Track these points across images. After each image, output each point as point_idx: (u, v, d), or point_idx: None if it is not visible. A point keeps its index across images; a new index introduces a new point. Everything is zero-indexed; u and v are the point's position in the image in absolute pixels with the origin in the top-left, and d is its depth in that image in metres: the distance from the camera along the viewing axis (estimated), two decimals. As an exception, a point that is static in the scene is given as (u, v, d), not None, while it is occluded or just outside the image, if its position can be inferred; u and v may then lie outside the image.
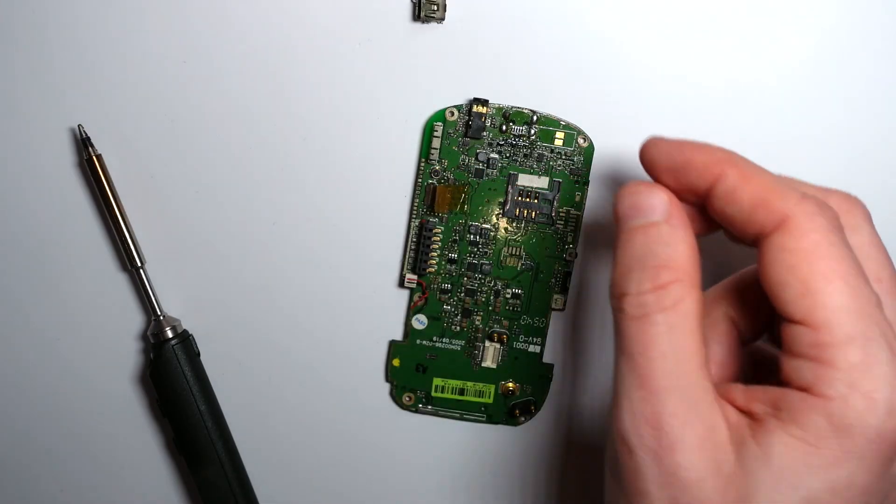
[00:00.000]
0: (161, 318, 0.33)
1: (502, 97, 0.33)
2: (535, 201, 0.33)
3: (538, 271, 0.34)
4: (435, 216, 0.33)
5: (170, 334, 0.33)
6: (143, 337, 0.34)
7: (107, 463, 0.35)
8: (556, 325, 0.34)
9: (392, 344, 0.34)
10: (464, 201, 0.33)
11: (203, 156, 0.33)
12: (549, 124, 0.33)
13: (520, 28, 0.33)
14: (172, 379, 0.33)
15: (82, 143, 0.32)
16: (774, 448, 0.23)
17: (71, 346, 0.34)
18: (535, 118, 0.33)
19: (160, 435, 0.35)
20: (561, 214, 0.33)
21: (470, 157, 0.33)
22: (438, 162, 0.33)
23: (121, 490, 0.35)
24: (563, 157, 0.33)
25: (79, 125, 0.33)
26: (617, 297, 0.25)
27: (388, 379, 0.35)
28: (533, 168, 0.33)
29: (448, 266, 0.34)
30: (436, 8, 0.32)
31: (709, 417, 0.24)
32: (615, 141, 0.33)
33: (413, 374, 0.34)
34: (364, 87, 0.33)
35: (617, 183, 0.33)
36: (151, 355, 0.33)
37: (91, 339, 0.34)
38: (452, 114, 0.33)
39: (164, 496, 0.36)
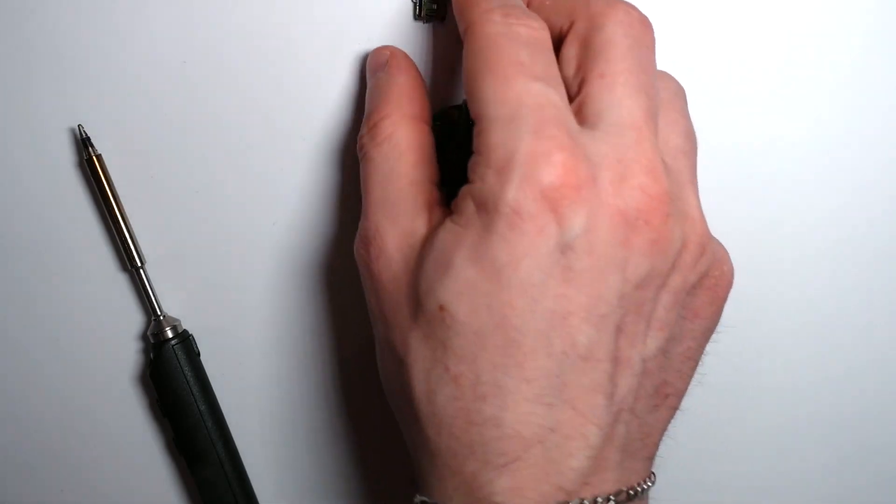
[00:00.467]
0: (161, 318, 0.33)
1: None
2: None
3: None
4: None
5: (170, 334, 0.33)
6: (144, 337, 0.34)
7: (107, 463, 0.35)
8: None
9: None
10: None
11: (203, 156, 0.33)
12: None
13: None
14: (172, 379, 0.33)
15: (82, 143, 0.32)
16: (437, 235, 0.25)
17: (71, 347, 0.34)
18: None
19: (160, 435, 0.35)
20: None
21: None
22: None
23: (121, 490, 0.35)
24: None
25: (79, 125, 0.32)
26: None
27: None
28: None
29: None
30: (436, 7, 0.32)
31: (408, 225, 0.26)
32: None
33: None
34: (364, 87, 0.33)
35: None
36: (151, 355, 0.33)
37: (91, 339, 0.34)
38: (452, 114, 0.33)
39: (164, 496, 0.36)
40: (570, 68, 0.27)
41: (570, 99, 0.26)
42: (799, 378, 0.36)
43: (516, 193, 0.24)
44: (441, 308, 0.25)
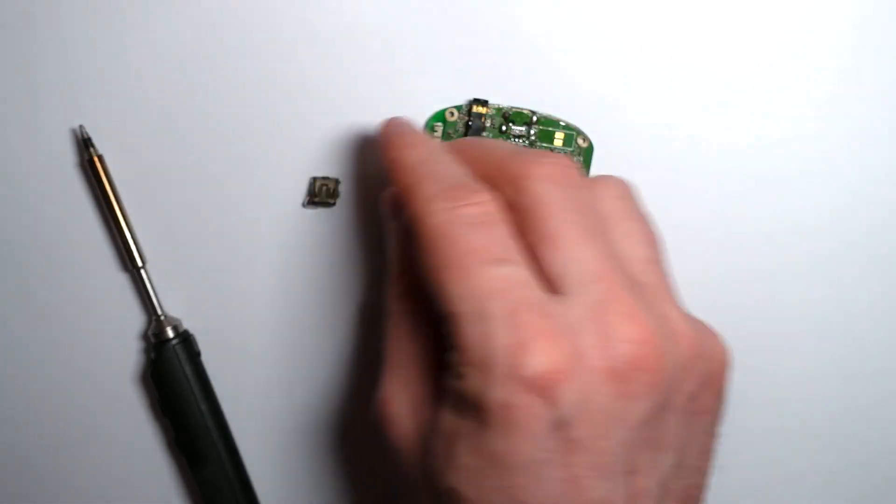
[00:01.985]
0: (162, 317, 0.33)
1: (502, 97, 0.33)
2: None
3: None
4: None
5: (171, 334, 0.33)
6: (144, 337, 0.34)
7: (107, 463, 0.35)
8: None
9: None
10: None
11: (204, 156, 0.33)
12: (548, 125, 0.33)
13: (519, 28, 0.33)
14: (173, 379, 0.33)
15: (83, 144, 0.32)
16: (439, 419, 0.25)
17: (71, 347, 0.34)
18: (534, 118, 0.33)
19: (161, 435, 0.35)
20: None
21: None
22: None
23: (121, 490, 0.35)
24: None
25: (80, 126, 0.33)
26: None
27: None
28: None
29: None
30: (331, 200, 0.33)
31: (419, 394, 0.27)
32: (614, 141, 0.33)
33: None
34: (363, 87, 0.33)
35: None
36: (152, 355, 0.33)
37: (92, 339, 0.34)
38: (452, 114, 0.33)
39: (164, 496, 0.36)
40: (517, 236, 0.26)
41: None
42: (801, 380, 0.36)
43: (502, 390, 0.23)
44: (450, 489, 0.25)
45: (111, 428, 0.35)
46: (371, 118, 0.33)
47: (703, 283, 0.34)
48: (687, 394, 0.26)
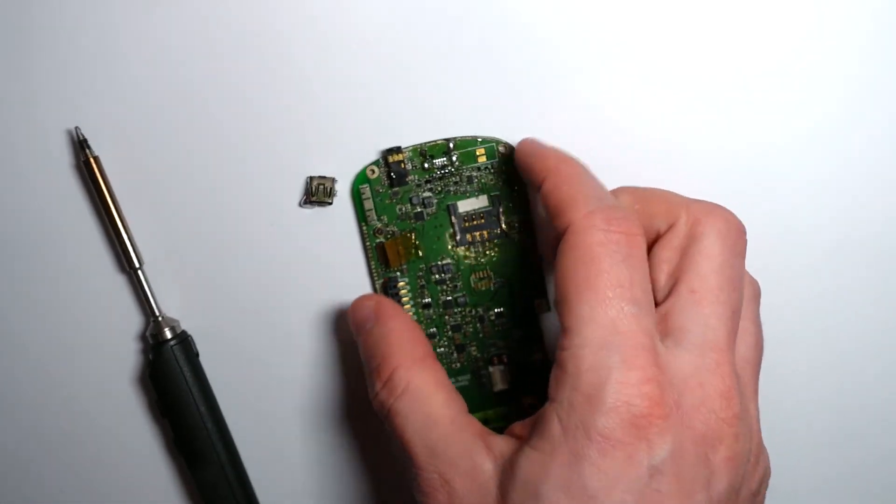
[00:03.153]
0: (160, 318, 0.33)
1: (412, 137, 0.33)
2: (483, 221, 0.33)
3: (512, 284, 0.33)
4: (394, 271, 0.33)
5: (169, 335, 0.33)
6: (142, 338, 0.34)
7: (107, 463, 0.35)
8: (549, 326, 0.34)
9: None
10: (416, 247, 0.33)
11: (201, 157, 0.33)
12: (466, 146, 0.33)
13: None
14: (172, 379, 0.33)
15: (79, 145, 0.32)
16: (519, 463, 0.25)
17: (70, 348, 0.34)
18: (451, 145, 0.32)
19: (160, 435, 0.35)
20: (511, 225, 0.33)
21: (405, 204, 0.33)
22: (378, 220, 0.33)
23: (121, 490, 0.36)
24: (491, 170, 0.33)
25: (76, 127, 0.33)
26: (371, 402, 0.29)
27: None
28: (468, 192, 0.33)
29: (426, 312, 0.34)
30: (329, 199, 0.33)
31: (470, 464, 0.26)
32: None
33: None
34: (361, 87, 0.33)
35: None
36: (150, 356, 0.34)
37: (90, 340, 0.34)
38: (373, 171, 0.33)
39: (164, 496, 0.36)
40: (662, 273, 0.27)
41: (657, 303, 0.27)
42: (801, 380, 0.36)
43: (606, 421, 0.24)
44: None
45: (110, 429, 0.35)
46: (369, 117, 0.33)
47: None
48: (750, 491, 0.27)
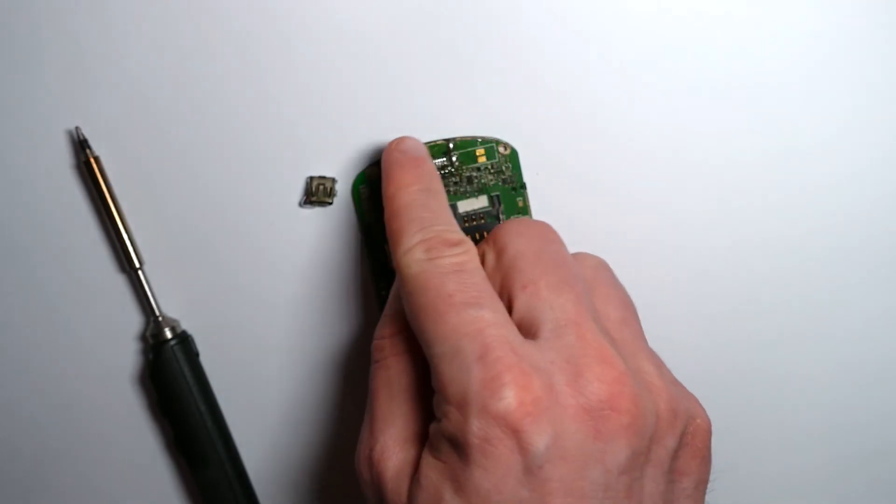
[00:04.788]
0: (160, 318, 0.33)
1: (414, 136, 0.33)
2: (483, 221, 0.33)
3: None
4: (394, 271, 0.33)
5: (169, 335, 0.33)
6: (143, 338, 0.34)
7: (107, 463, 0.35)
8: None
9: None
10: None
11: (201, 157, 0.33)
12: (466, 146, 0.33)
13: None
14: (172, 379, 0.33)
15: (80, 145, 0.32)
16: (422, 471, 0.25)
17: (70, 348, 0.34)
18: (451, 145, 0.33)
19: (160, 435, 0.35)
20: None
21: None
22: (378, 221, 0.33)
23: (121, 490, 0.36)
24: (491, 170, 0.33)
25: (76, 127, 0.33)
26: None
27: None
28: (468, 192, 0.33)
29: None
30: (329, 199, 0.33)
31: (403, 455, 0.27)
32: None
33: None
34: (360, 87, 0.33)
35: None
36: (151, 356, 0.34)
37: (90, 340, 0.34)
38: (374, 172, 0.33)
39: (164, 496, 0.36)
40: (496, 288, 0.27)
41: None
42: (802, 380, 0.36)
43: (479, 423, 0.24)
44: None
45: (110, 429, 0.35)
46: (369, 117, 0.33)
47: (702, 285, 0.34)
48: (667, 450, 0.26)
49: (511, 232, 0.29)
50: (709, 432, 0.28)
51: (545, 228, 0.29)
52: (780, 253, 0.34)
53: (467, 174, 0.33)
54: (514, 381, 0.24)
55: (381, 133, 0.33)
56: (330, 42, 0.32)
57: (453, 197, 0.33)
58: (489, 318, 0.25)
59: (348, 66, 0.32)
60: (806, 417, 0.36)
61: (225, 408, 0.35)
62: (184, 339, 0.34)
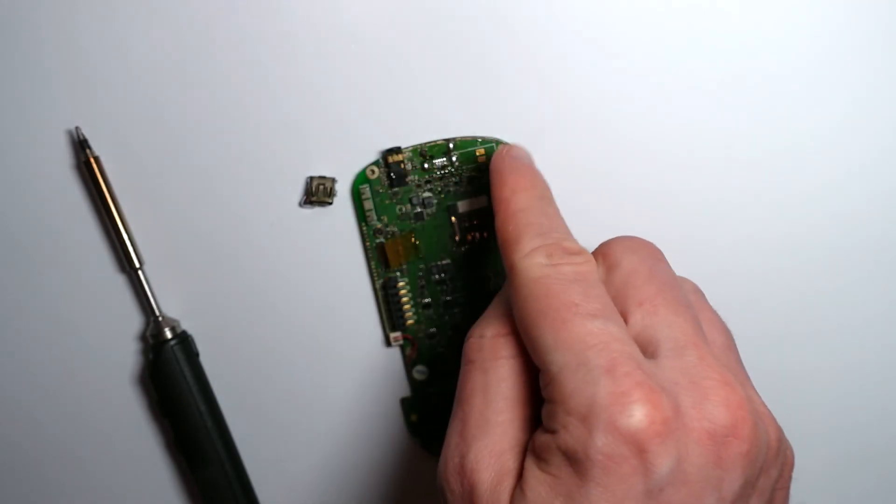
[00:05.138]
0: (160, 318, 0.33)
1: (412, 137, 0.33)
2: (483, 221, 0.33)
3: None
4: (394, 271, 0.33)
5: (169, 335, 0.33)
6: (143, 338, 0.34)
7: (107, 463, 0.35)
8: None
9: (403, 401, 0.35)
10: (415, 248, 0.33)
11: (201, 157, 0.33)
12: (466, 146, 0.33)
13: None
14: (172, 379, 0.33)
15: (80, 145, 0.32)
16: (528, 484, 0.24)
17: (70, 348, 0.34)
18: (451, 145, 0.33)
19: (160, 435, 0.35)
20: None
21: (405, 205, 0.33)
22: (378, 220, 0.33)
23: (121, 490, 0.36)
24: None
25: (76, 127, 0.33)
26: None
27: (414, 436, 0.35)
28: (468, 192, 0.33)
29: (426, 312, 0.34)
30: (329, 199, 0.33)
31: (500, 466, 0.25)
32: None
33: (435, 423, 0.35)
34: (360, 87, 0.33)
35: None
36: (151, 356, 0.34)
37: (90, 340, 0.34)
38: (373, 171, 0.33)
39: (164, 496, 0.36)
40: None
41: None
42: (802, 379, 0.36)
43: (605, 439, 0.23)
44: None
45: (110, 429, 0.35)
46: (369, 117, 0.33)
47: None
48: (770, 480, 0.26)
49: (623, 248, 0.28)
50: (793, 465, 0.27)
51: (655, 247, 0.28)
52: (780, 252, 0.34)
53: (467, 174, 0.33)
54: (645, 399, 0.23)
55: (381, 133, 0.33)
56: (330, 42, 0.32)
57: (453, 197, 0.33)
58: (615, 332, 0.24)
59: (348, 66, 0.32)
60: (806, 417, 0.36)
61: (225, 408, 0.35)
62: (184, 339, 0.34)
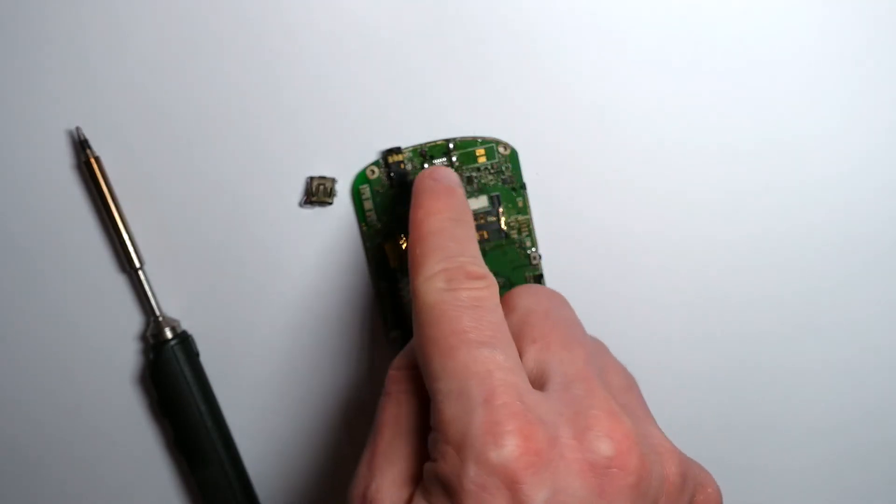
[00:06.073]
0: (160, 318, 0.33)
1: (412, 137, 0.33)
2: (482, 221, 0.33)
3: (511, 284, 0.34)
4: (394, 271, 0.33)
5: (169, 335, 0.33)
6: (143, 338, 0.34)
7: (107, 463, 0.35)
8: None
9: None
10: None
11: (201, 157, 0.33)
12: (466, 146, 0.33)
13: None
14: (172, 379, 0.33)
15: (80, 146, 0.32)
16: None
17: (70, 348, 0.34)
18: (451, 146, 0.33)
19: (160, 435, 0.35)
20: (511, 224, 0.33)
21: (405, 205, 0.33)
22: (378, 220, 0.33)
23: (121, 490, 0.36)
24: (491, 171, 0.33)
25: (77, 127, 0.33)
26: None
27: None
28: (468, 192, 0.33)
29: None
30: (329, 199, 0.33)
31: (399, 497, 0.25)
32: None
33: None
34: (360, 87, 0.33)
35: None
36: (151, 356, 0.34)
37: (90, 340, 0.34)
38: (373, 172, 0.33)
39: (164, 496, 0.36)
40: None
41: None
42: (801, 378, 0.36)
43: (477, 470, 0.22)
44: None
45: (110, 429, 0.35)
46: (369, 117, 0.33)
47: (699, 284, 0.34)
48: None
49: (522, 293, 0.28)
50: (719, 502, 0.27)
51: (556, 294, 0.29)
52: (780, 250, 0.34)
53: (467, 174, 0.33)
54: (518, 430, 0.23)
55: (381, 133, 0.33)
56: (330, 42, 0.32)
57: None
58: (500, 361, 0.24)
59: (349, 66, 0.32)
60: (806, 414, 0.36)
61: (225, 408, 0.35)
62: (184, 339, 0.34)
